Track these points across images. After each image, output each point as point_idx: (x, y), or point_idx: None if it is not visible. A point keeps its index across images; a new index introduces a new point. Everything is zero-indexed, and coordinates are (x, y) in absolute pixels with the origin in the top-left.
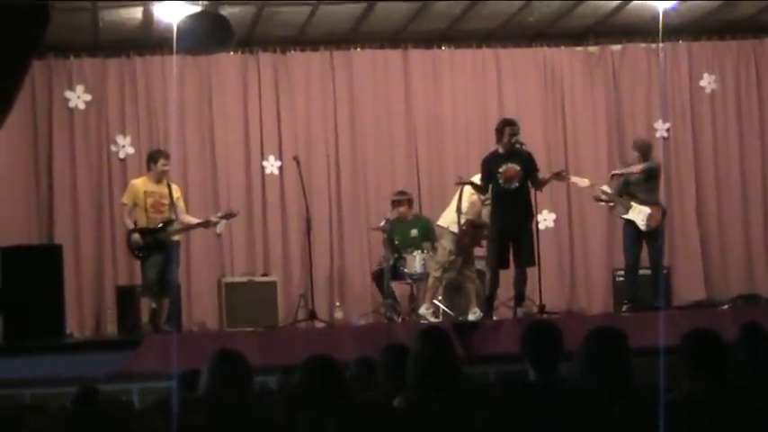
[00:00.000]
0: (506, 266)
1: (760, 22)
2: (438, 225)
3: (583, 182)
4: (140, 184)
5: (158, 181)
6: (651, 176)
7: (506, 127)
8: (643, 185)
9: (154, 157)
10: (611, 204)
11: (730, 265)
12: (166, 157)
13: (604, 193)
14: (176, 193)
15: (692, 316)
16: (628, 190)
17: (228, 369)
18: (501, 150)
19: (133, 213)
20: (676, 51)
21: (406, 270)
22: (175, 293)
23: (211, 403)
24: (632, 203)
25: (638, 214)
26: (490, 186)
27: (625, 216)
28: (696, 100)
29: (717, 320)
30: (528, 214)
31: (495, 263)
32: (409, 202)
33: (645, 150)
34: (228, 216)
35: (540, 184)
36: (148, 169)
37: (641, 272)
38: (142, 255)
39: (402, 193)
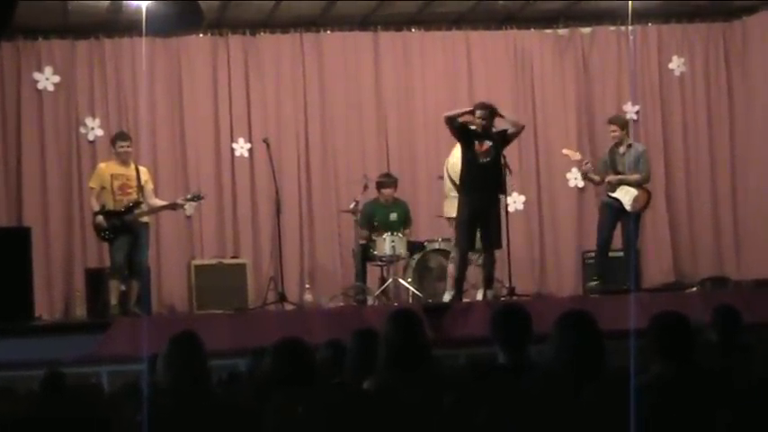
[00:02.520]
0: (474, 248)
1: (728, 5)
2: (449, 218)
3: (574, 155)
4: (106, 167)
5: (125, 163)
6: (640, 160)
7: (476, 110)
8: (632, 168)
9: (113, 140)
10: (594, 182)
11: (699, 247)
12: (124, 138)
13: (595, 172)
14: (144, 175)
15: (661, 298)
16: (616, 169)
17: (181, 355)
18: (473, 129)
19: (101, 197)
20: (646, 34)
21: (376, 252)
22: (145, 276)
23: (170, 390)
24: (621, 183)
25: (626, 195)
26: (463, 159)
27: (612, 194)
28: (665, 83)
29: (685, 303)
30: (498, 193)
31: (464, 244)
32: (395, 185)
33: (624, 123)
34: (195, 198)
35: (513, 129)
36: (113, 152)
37: (611, 253)
38: (108, 236)
39: (388, 175)
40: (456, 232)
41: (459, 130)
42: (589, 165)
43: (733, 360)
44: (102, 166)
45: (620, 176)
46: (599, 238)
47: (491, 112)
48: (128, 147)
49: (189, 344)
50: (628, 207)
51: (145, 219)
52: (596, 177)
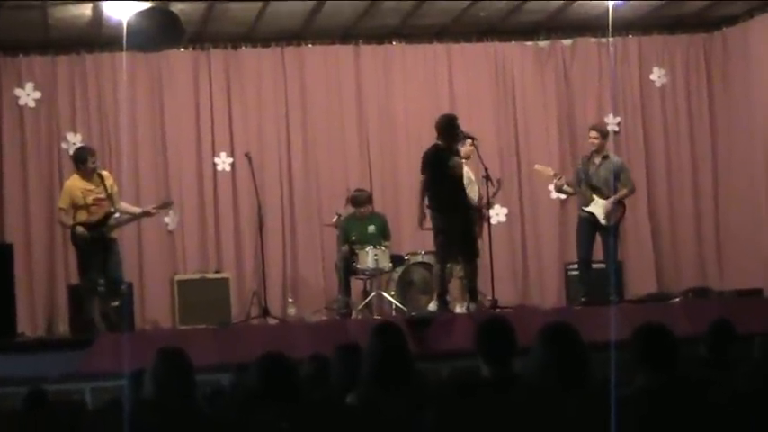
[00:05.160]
0: (456, 260)
1: (709, 16)
2: None
3: (547, 170)
4: (75, 184)
5: (89, 177)
6: (613, 175)
7: (454, 122)
8: (603, 181)
9: (81, 157)
10: (569, 194)
11: (681, 258)
12: (93, 153)
13: (568, 183)
14: (108, 180)
15: (644, 309)
16: (590, 182)
17: (169, 369)
18: (445, 145)
19: (70, 213)
20: (626, 46)
21: (358, 266)
22: (126, 291)
23: (157, 405)
24: (594, 196)
25: (600, 208)
26: (436, 179)
27: (586, 208)
28: (646, 94)
29: (668, 314)
30: (469, 207)
31: (445, 256)
32: (369, 201)
33: (605, 132)
34: (165, 206)
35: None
36: (77, 168)
37: (594, 266)
38: (89, 248)
39: (362, 190)
40: (436, 244)
41: (427, 167)
42: (562, 179)
43: (718, 373)
44: (70, 184)
45: (592, 190)
46: (579, 253)
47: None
48: (97, 160)
49: (176, 357)
50: (602, 221)
51: (113, 234)
52: (570, 190)
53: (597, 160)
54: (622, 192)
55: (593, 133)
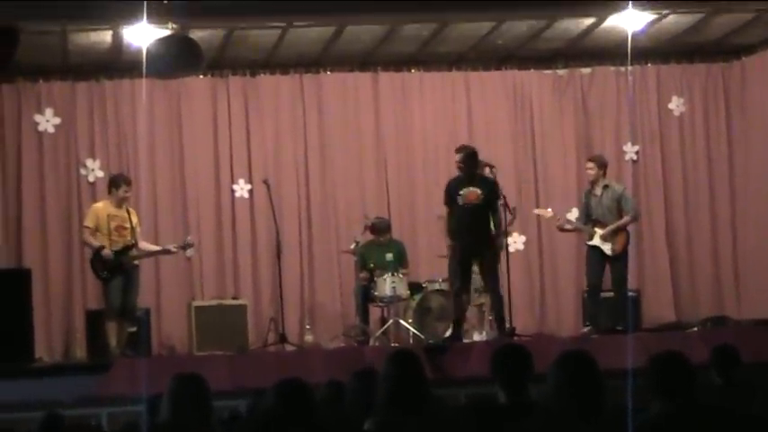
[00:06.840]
0: (467, 289)
1: (728, 45)
2: None
3: (546, 213)
4: (103, 207)
5: (119, 206)
6: (616, 203)
7: (456, 154)
8: (607, 209)
9: (116, 182)
10: (571, 231)
11: (699, 287)
12: (128, 183)
13: (569, 221)
14: (134, 217)
15: (662, 338)
16: (591, 216)
17: (186, 393)
18: (461, 175)
19: (95, 235)
20: (645, 74)
21: (376, 293)
22: (144, 317)
23: (174, 429)
24: (596, 230)
25: (601, 239)
26: (448, 206)
27: (590, 243)
28: (665, 123)
29: (686, 343)
30: (487, 236)
31: (458, 286)
32: (389, 230)
33: (602, 163)
34: (186, 247)
35: (497, 216)
36: (109, 193)
37: (605, 294)
38: (106, 276)
39: (382, 218)
40: (449, 273)
41: (445, 199)
42: (561, 219)
43: (732, 398)
44: (98, 206)
45: (594, 224)
46: (588, 280)
47: (467, 155)
48: (130, 192)
49: (193, 382)
50: (608, 252)
51: (136, 261)
52: (570, 227)
53: (598, 191)
54: (624, 219)
55: (590, 164)
